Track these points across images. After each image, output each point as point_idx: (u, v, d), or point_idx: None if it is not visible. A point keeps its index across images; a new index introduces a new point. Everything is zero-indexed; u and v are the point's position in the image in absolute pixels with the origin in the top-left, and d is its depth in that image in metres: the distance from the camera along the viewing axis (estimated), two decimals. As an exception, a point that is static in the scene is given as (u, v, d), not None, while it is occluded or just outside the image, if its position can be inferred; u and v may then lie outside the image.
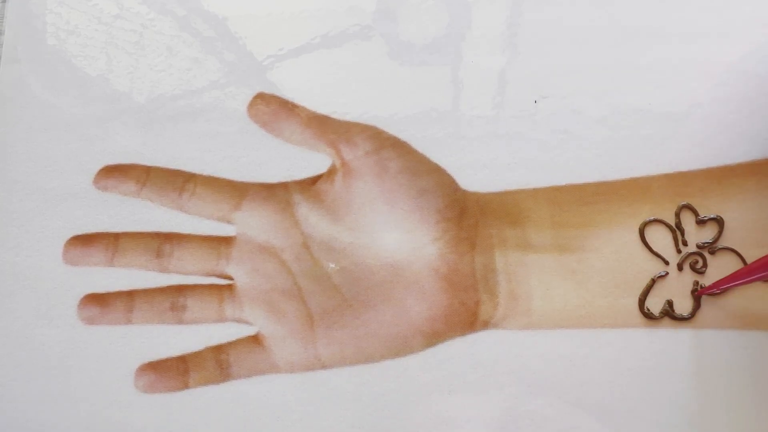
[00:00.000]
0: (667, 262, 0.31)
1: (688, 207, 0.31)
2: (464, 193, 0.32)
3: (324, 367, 0.31)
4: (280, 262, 0.31)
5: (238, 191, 0.32)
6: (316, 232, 0.32)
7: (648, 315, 0.30)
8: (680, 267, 0.31)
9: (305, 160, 0.33)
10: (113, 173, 0.33)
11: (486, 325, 0.31)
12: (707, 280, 0.30)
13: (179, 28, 0.35)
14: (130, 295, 0.32)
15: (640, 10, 0.33)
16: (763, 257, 0.27)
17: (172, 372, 0.31)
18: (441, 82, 0.33)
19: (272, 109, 0.33)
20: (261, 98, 0.33)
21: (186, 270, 0.32)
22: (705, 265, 0.30)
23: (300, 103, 0.33)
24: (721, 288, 0.29)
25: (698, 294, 0.30)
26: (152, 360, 0.31)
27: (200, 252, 0.32)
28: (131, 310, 0.31)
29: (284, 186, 0.32)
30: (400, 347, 0.31)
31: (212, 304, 0.31)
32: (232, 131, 0.33)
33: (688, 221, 0.31)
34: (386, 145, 0.32)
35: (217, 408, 0.31)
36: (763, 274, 0.27)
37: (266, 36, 0.34)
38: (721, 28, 0.33)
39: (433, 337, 0.31)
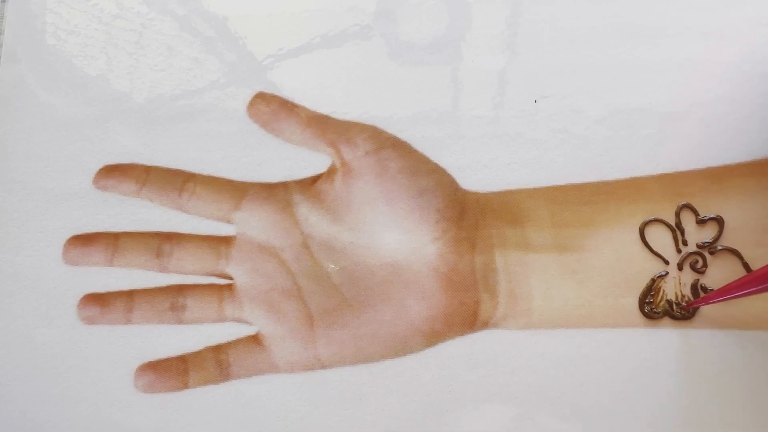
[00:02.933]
0: (667, 262, 0.31)
1: (688, 207, 0.31)
2: (464, 193, 0.32)
3: (324, 367, 0.31)
4: (280, 261, 0.31)
5: (238, 191, 0.32)
6: (316, 231, 0.31)
7: (648, 315, 0.30)
8: (680, 267, 0.31)
9: (305, 160, 0.33)
10: (113, 173, 0.33)
11: (486, 325, 0.31)
12: (707, 280, 0.30)
13: (179, 28, 0.35)
14: (130, 295, 0.32)
15: (640, 10, 0.33)
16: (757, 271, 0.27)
17: (172, 372, 0.31)
18: (441, 82, 0.33)
19: (272, 108, 0.33)
20: (261, 98, 0.33)
21: (186, 270, 0.32)
22: (705, 264, 0.30)
23: (300, 103, 0.33)
24: (712, 302, 0.29)
25: (687, 307, 0.30)
26: (152, 360, 0.31)
27: (200, 252, 0.32)
28: (131, 310, 0.31)
29: (284, 186, 0.32)
30: (400, 347, 0.31)
31: (212, 303, 0.31)
32: (232, 131, 0.33)
33: (688, 221, 0.31)
34: (386, 145, 0.32)
35: (217, 408, 0.31)
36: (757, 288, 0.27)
37: (266, 36, 0.34)
38: (721, 28, 0.33)
39: (433, 337, 0.31)
